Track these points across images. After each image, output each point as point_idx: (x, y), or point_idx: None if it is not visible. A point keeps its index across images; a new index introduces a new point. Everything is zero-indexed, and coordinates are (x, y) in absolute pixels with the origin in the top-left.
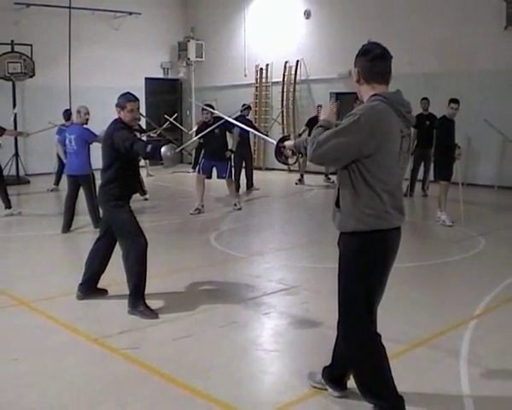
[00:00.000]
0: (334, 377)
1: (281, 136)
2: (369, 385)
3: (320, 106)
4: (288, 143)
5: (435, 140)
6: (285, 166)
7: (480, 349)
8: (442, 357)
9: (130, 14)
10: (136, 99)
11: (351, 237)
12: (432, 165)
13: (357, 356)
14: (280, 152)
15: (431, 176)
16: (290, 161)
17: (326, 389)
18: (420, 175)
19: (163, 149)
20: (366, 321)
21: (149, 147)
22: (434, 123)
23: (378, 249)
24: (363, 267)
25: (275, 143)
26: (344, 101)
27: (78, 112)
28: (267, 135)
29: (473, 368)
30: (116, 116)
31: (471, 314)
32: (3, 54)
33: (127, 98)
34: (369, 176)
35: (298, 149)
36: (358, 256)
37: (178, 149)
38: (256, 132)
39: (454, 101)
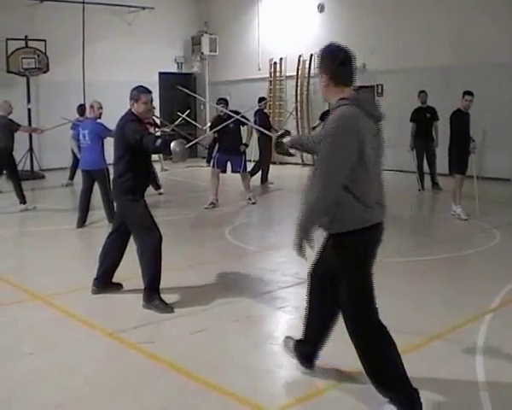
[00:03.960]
0: (304, 352)
1: (281, 132)
2: (380, 375)
3: None
4: (285, 140)
5: (450, 133)
6: (299, 161)
7: (495, 343)
8: (458, 350)
9: (144, 8)
10: (150, 91)
11: (339, 237)
12: (447, 158)
13: (364, 343)
14: (277, 146)
15: (445, 169)
16: (292, 151)
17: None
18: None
19: (172, 144)
20: (371, 308)
21: (159, 141)
22: (435, 115)
23: (368, 242)
24: (360, 258)
25: (274, 137)
26: None
27: (92, 107)
28: (277, 130)
29: (489, 361)
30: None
31: (487, 308)
32: (17, 49)
33: (141, 90)
34: (349, 180)
35: (294, 146)
36: (352, 250)
37: (189, 145)
38: (260, 129)
39: (468, 93)
